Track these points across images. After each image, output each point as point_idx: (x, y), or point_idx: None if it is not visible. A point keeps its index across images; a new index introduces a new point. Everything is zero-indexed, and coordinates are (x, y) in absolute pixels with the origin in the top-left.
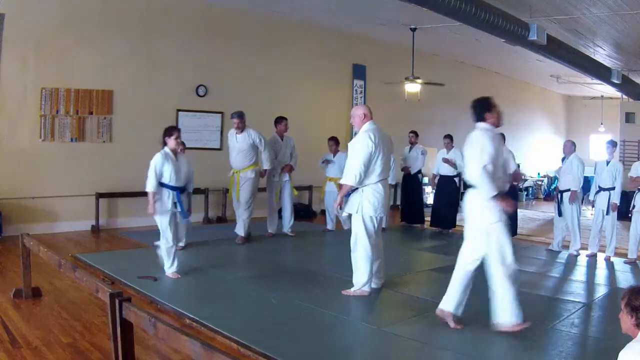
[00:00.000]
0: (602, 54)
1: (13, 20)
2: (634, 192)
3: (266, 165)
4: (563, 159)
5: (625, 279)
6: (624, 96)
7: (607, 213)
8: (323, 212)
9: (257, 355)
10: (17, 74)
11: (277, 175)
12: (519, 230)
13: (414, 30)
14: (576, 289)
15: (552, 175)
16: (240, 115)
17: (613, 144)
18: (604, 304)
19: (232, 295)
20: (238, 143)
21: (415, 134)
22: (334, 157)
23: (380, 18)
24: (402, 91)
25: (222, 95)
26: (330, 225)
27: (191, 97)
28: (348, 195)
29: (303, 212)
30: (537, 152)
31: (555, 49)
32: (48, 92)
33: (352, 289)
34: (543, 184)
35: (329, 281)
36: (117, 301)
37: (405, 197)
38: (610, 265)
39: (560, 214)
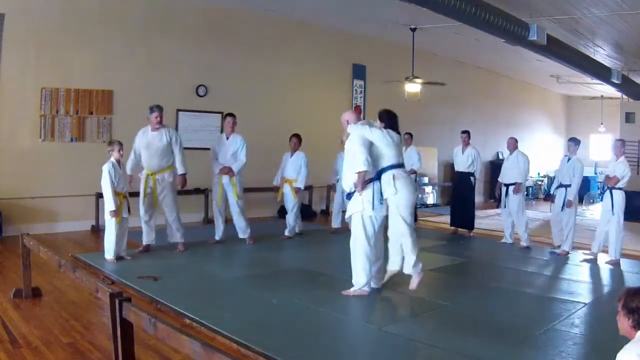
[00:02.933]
0: (602, 54)
1: (13, 20)
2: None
3: (180, 170)
4: (508, 156)
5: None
6: (624, 96)
7: (562, 209)
8: (323, 212)
9: (257, 355)
10: (17, 74)
11: (216, 177)
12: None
13: (414, 30)
14: (576, 289)
15: (552, 175)
16: (162, 109)
17: (576, 142)
18: (601, 303)
19: (232, 295)
20: (153, 141)
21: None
22: (291, 156)
23: (380, 18)
24: (402, 91)
25: (222, 95)
26: (289, 231)
27: (191, 97)
28: (350, 196)
29: (303, 213)
30: (537, 152)
31: (555, 49)
32: (48, 92)
33: (352, 289)
34: (543, 184)
35: (329, 281)
36: (117, 301)
37: None
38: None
39: (504, 205)
